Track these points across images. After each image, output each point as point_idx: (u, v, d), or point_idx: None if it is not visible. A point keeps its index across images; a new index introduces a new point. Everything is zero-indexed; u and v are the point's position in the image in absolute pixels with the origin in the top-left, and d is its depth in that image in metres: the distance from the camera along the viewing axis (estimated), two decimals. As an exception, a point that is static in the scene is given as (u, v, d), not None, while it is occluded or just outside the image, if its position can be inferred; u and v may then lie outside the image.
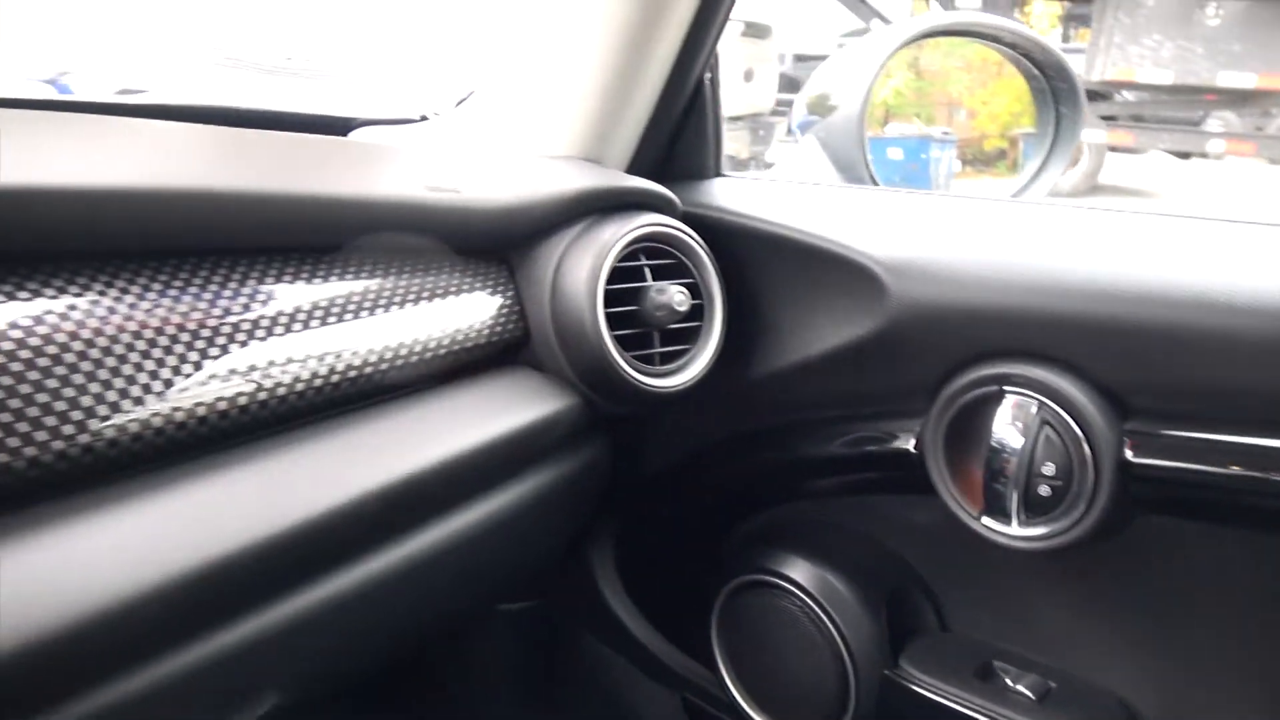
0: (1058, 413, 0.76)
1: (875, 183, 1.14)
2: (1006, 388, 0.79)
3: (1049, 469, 0.77)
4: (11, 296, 0.58)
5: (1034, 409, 0.77)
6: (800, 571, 0.96)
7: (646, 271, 0.90)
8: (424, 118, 1.17)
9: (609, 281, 0.86)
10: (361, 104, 1.14)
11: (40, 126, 0.77)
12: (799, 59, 7.43)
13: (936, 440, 0.83)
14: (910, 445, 0.87)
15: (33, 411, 0.56)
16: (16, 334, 0.57)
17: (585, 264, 0.86)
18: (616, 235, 0.87)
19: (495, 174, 0.91)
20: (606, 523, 1.18)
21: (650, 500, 1.17)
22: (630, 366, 0.87)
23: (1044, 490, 0.77)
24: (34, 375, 0.57)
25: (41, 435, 0.57)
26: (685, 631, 1.15)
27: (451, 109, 1.14)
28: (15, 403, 0.56)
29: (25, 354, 0.57)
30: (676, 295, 0.87)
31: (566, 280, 0.86)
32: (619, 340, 0.87)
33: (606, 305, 0.86)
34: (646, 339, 0.90)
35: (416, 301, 0.82)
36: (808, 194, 1.05)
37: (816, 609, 0.94)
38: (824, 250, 0.90)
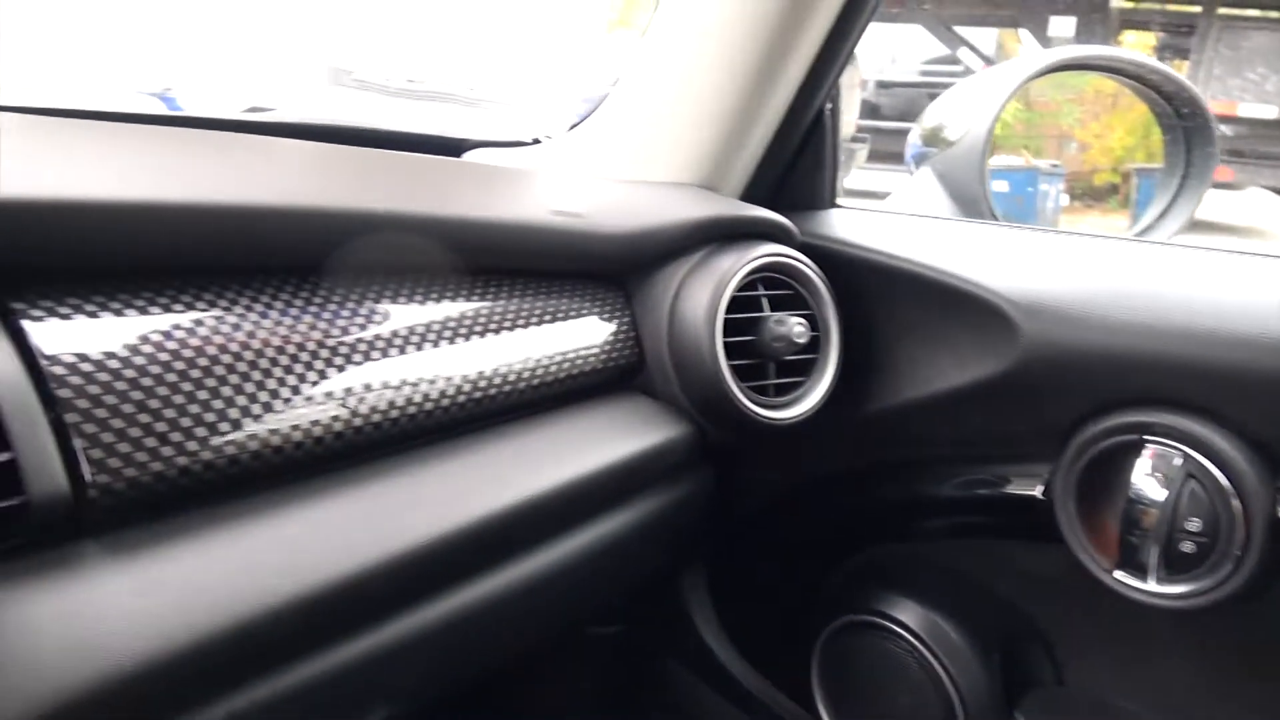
0: (1204, 466, 0.72)
1: (995, 217, 1.11)
2: (1147, 437, 0.75)
3: (1194, 524, 0.73)
4: (144, 310, 0.60)
5: (1178, 461, 0.73)
6: (910, 614, 0.93)
7: (764, 302, 0.88)
8: (536, 140, 1.18)
9: (727, 311, 0.85)
10: (475, 125, 1.15)
11: (174, 142, 0.79)
12: (881, 85, 7.36)
13: (1067, 488, 0.80)
14: (1037, 491, 0.83)
15: (160, 426, 0.57)
16: (147, 349, 0.58)
17: (705, 292, 0.85)
18: (736, 265, 0.86)
19: (616, 200, 0.91)
20: (701, 550, 1.16)
21: (749, 531, 1.15)
22: (746, 397, 0.85)
23: (1187, 546, 0.73)
24: (164, 389, 0.58)
25: (167, 450, 0.58)
26: (780, 667, 1.13)
27: (564, 133, 1.14)
28: (144, 417, 0.57)
29: (155, 368, 0.58)
30: (796, 327, 0.85)
31: (685, 308, 0.85)
32: (734, 370, 0.85)
33: (724, 335, 0.85)
34: (762, 369, 0.89)
35: (535, 324, 0.82)
36: (928, 227, 1.02)
37: (927, 654, 0.91)
38: (949, 286, 0.87)
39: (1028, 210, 1.62)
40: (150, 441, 0.57)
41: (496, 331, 0.79)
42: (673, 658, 1.26)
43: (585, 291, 0.87)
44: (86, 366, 0.56)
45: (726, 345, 0.85)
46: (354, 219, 0.71)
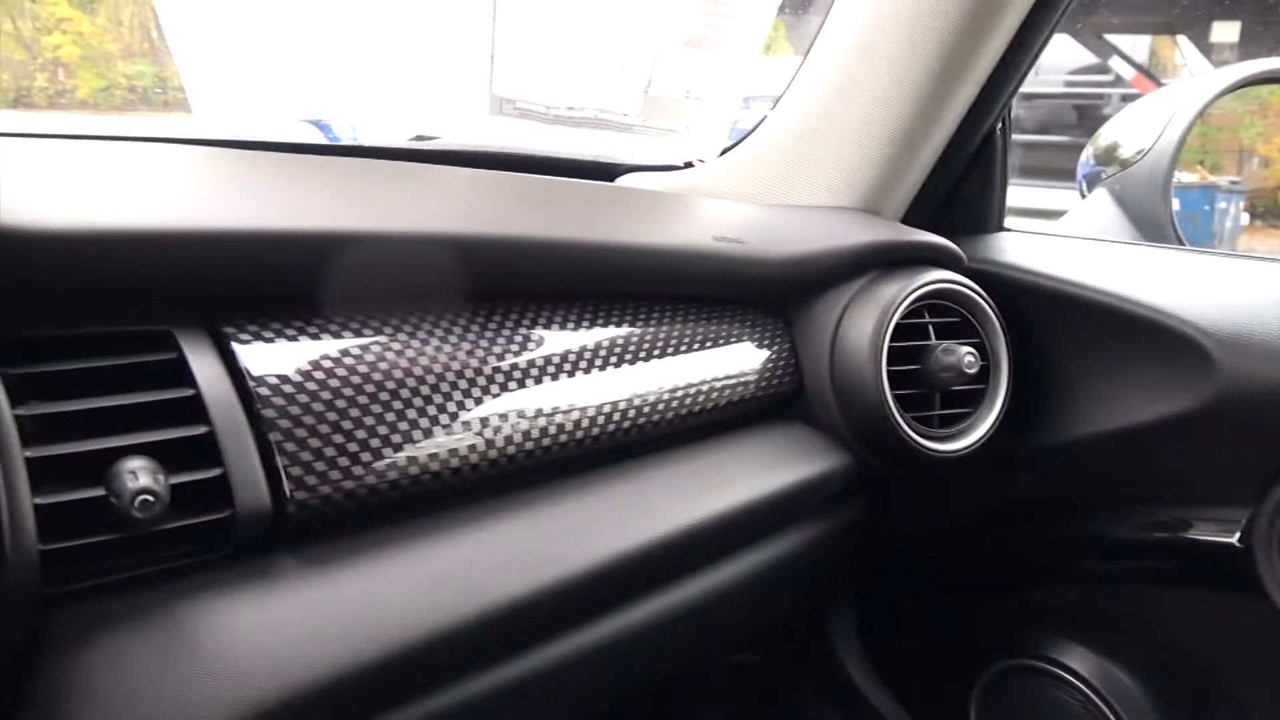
0: None
1: (1181, 242, 1.04)
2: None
3: None
4: (337, 334, 0.63)
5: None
6: (1082, 662, 0.88)
7: (930, 329, 0.85)
8: (688, 164, 1.19)
9: (891, 339, 0.83)
10: (630, 150, 1.16)
11: (354, 172, 0.83)
12: (1022, 97, 7.07)
13: (1271, 536, 0.73)
14: (1233, 538, 0.77)
15: (352, 446, 0.60)
16: (341, 371, 0.61)
17: (869, 320, 0.82)
18: (902, 291, 0.83)
19: (776, 224, 0.90)
20: (849, 582, 1.13)
21: (900, 563, 1.11)
22: (911, 428, 0.83)
23: None
24: (355, 410, 0.60)
25: (358, 469, 0.60)
26: (932, 707, 1.08)
27: (716, 157, 1.14)
28: (338, 437, 0.59)
29: (348, 390, 0.61)
30: (966, 357, 0.82)
31: (848, 335, 0.83)
32: (899, 399, 0.83)
33: (888, 363, 0.82)
34: (926, 399, 0.85)
35: (694, 350, 0.82)
36: (1106, 251, 0.97)
37: (1103, 706, 0.85)
38: (1133, 314, 0.82)
39: (1203, 230, 1.52)
40: (343, 460, 0.59)
41: (657, 356, 0.79)
42: (813, 690, 1.23)
43: (743, 317, 0.86)
44: (288, 388, 0.59)
45: (890, 374, 0.82)
46: (526, 247, 0.72)
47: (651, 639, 0.80)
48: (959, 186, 1.00)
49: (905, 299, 0.82)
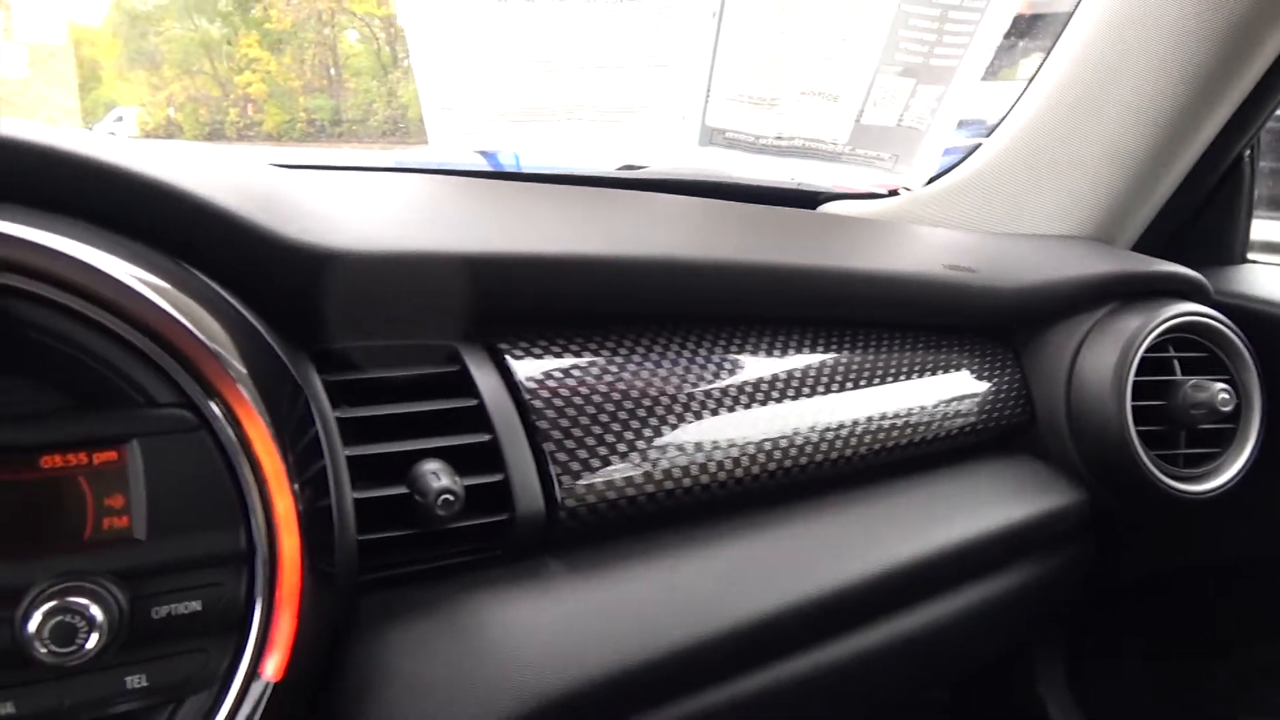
0: None
1: None
2: None
3: None
4: (596, 351, 0.67)
5: None
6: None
7: (1176, 365, 0.82)
8: (894, 193, 1.19)
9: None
10: (835, 178, 1.17)
11: (586, 200, 0.87)
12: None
13: None
14: None
15: (614, 458, 0.63)
16: (602, 386, 0.64)
17: (1111, 353, 0.80)
18: (1148, 324, 0.80)
19: (1004, 253, 0.89)
20: (1061, 624, 1.09)
21: (1122, 607, 1.05)
22: (1155, 466, 0.79)
23: None
24: (616, 425, 0.64)
25: (620, 480, 0.63)
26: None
27: (923, 185, 1.14)
28: (603, 449, 0.63)
29: (610, 405, 0.64)
30: (1221, 394, 0.78)
31: (1087, 368, 0.81)
32: (1141, 436, 0.80)
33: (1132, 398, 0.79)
34: (1168, 437, 0.82)
35: (919, 377, 0.82)
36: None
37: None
38: None
39: None
40: (607, 471, 0.63)
41: (883, 382, 0.79)
42: None
43: (969, 346, 0.85)
44: (558, 401, 0.63)
45: (1133, 409, 0.79)
46: (765, 272, 0.75)
47: (865, 670, 0.79)
48: (1199, 215, 0.95)
49: (1151, 332, 0.80)
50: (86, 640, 0.41)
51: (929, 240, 0.90)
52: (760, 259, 0.75)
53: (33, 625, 0.41)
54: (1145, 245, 0.95)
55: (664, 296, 0.71)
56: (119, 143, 0.50)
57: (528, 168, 1.26)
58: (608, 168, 1.27)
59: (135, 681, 0.45)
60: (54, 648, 0.41)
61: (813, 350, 0.77)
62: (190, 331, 0.45)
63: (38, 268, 0.42)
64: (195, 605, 0.46)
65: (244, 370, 0.47)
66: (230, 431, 0.46)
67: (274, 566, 0.47)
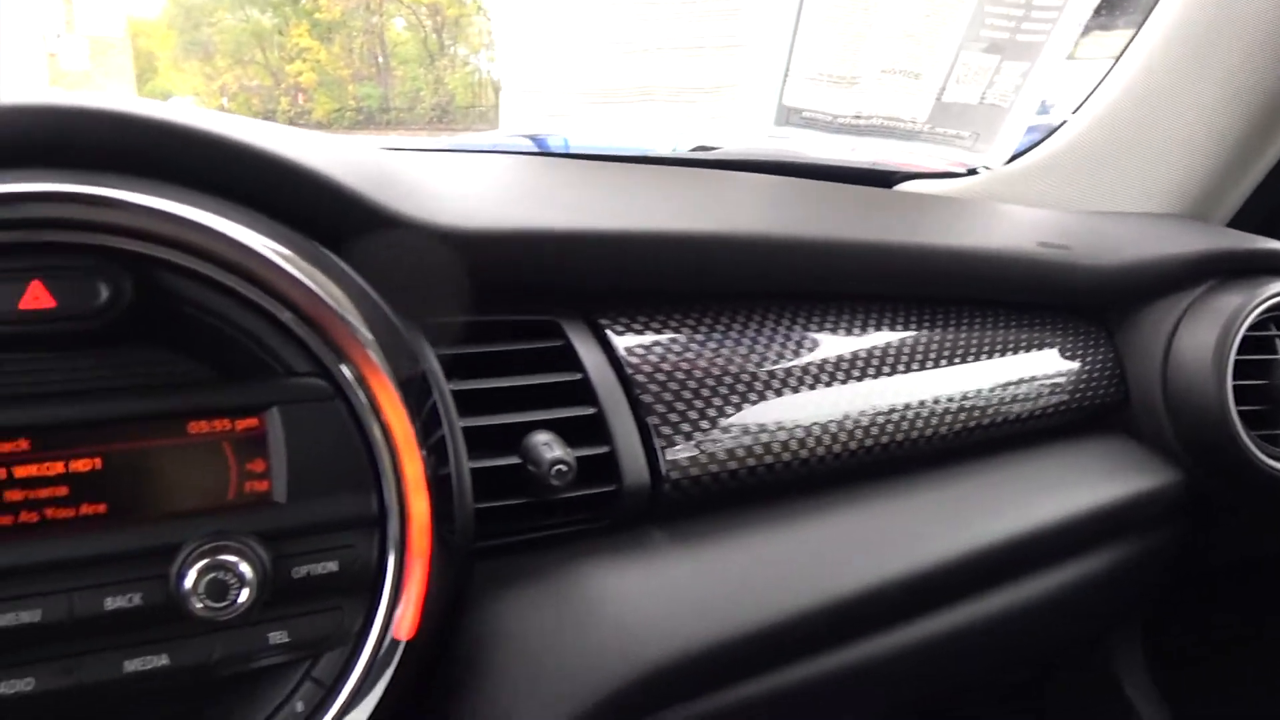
0: None
1: None
2: None
3: None
4: (694, 328, 0.68)
5: None
6: None
7: (1278, 343, 0.81)
8: (972, 171, 1.18)
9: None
10: (910, 157, 1.17)
11: (670, 179, 0.88)
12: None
13: None
14: None
15: (715, 432, 0.64)
16: (702, 362, 0.66)
17: (1210, 331, 0.79)
18: (1250, 302, 0.79)
19: (1095, 231, 0.88)
20: (1144, 609, 1.08)
21: (1211, 593, 1.04)
22: (1257, 446, 0.78)
23: None
24: (718, 399, 0.65)
25: (721, 454, 0.64)
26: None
27: (1003, 164, 1.13)
28: (704, 423, 0.64)
29: (710, 380, 0.65)
30: (1326, 374, 0.77)
31: (1184, 347, 0.80)
32: (1243, 416, 0.79)
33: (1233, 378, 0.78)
34: (1270, 417, 0.81)
35: (1008, 355, 0.81)
36: None
37: None
38: None
39: None
40: (709, 445, 0.64)
41: (972, 360, 0.79)
42: (1087, 718, 1.17)
43: (1060, 324, 0.85)
44: (660, 375, 0.64)
45: (1233, 389, 0.79)
46: (854, 249, 0.75)
47: (952, 649, 0.79)
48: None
49: (1254, 309, 0.79)
50: (238, 596, 0.44)
51: (1016, 218, 0.89)
52: (848, 235, 0.75)
53: (189, 581, 0.43)
54: (1240, 223, 0.93)
55: (754, 274, 0.72)
56: (246, 122, 0.52)
57: (602, 149, 1.27)
58: (681, 149, 1.27)
59: (277, 637, 0.47)
60: (209, 602, 0.43)
61: (904, 328, 0.77)
62: (326, 302, 0.47)
63: (186, 241, 0.45)
64: (332, 566, 0.48)
65: (374, 340, 0.49)
66: (363, 399, 0.48)
67: (404, 530, 0.49)
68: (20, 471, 0.43)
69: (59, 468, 0.44)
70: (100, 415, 0.45)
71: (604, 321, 0.66)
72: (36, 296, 0.42)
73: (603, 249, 0.65)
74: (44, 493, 0.44)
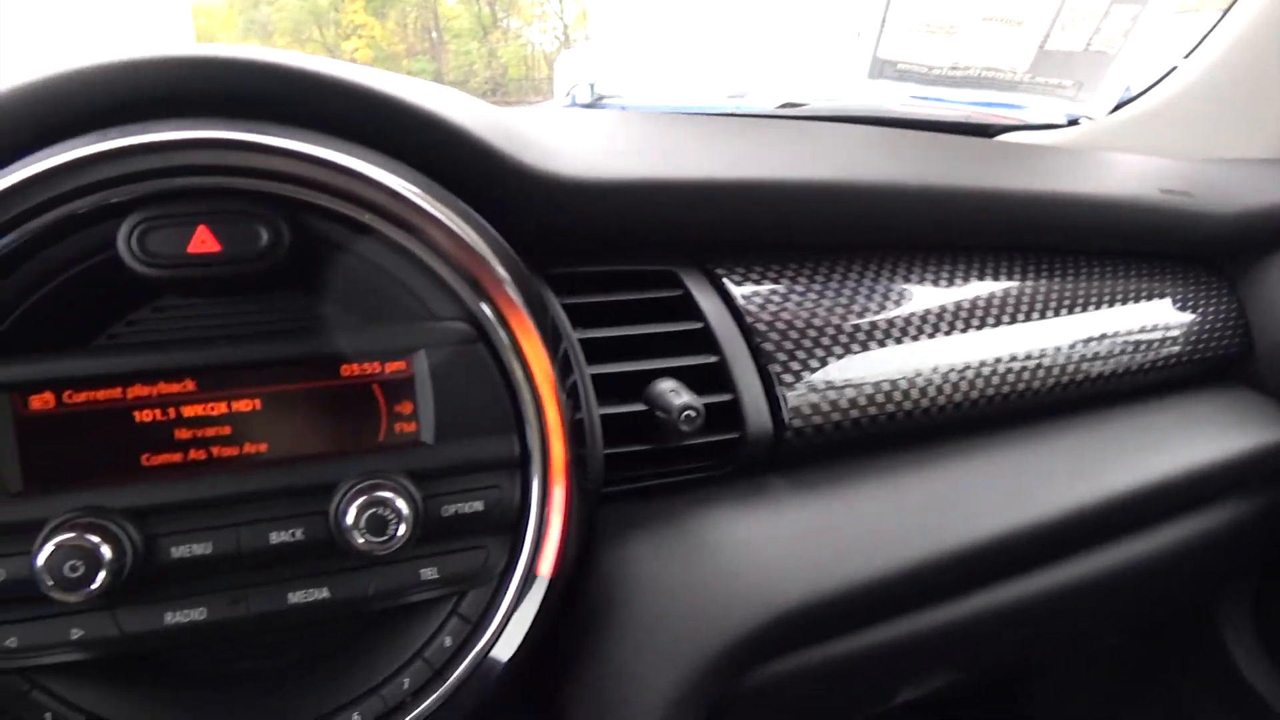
0: None
1: None
2: None
3: None
4: (794, 279, 0.68)
5: None
6: None
7: None
8: (1073, 121, 1.15)
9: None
10: (1011, 108, 1.14)
11: (740, 131, 0.87)
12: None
13: None
14: None
15: (835, 380, 0.64)
16: (821, 311, 0.66)
17: (1342, 278, 0.77)
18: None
19: (1218, 179, 0.85)
20: (1254, 569, 1.05)
21: None
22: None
23: None
24: (838, 349, 0.65)
25: (843, 402, 0.64)
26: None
27: (1105, 113, 1.09)
28: (823, 372, 0.64)
29: (830, 330, 0.65)
30: None
31: (1315, 296, 0.78)
32: None
33: None
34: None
35: (1132, 305, 0.80)
36: None
37: None
38: None
39: None
40: (830, 393, 0.64)
41: (1095, 308, 0.78)
42: (1192, 682, 1.15)
43: (1182, 274, 0.83)
44: (780, 324, 0.64)
45: None
46: (965, 196, 0.74)
47: (1067, 603, 0.79)
48: None
49: None
50: (396, 530, 0.45)
51: (1131, 166, 0.87)
52: (960, 183, 0.74)
53: (350, 517, 0.45)
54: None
55: (866, 222, 0.72)
56: (383, 74, 0.53)
57: (689, 107, 1.27)
58: (767, 106, 1.26)
59: (428, 573, 0.49)
60: (370, 537, 0.45)
61: (1020, 278, 0.76)
62: (475, 249, 0.48)
63: (340, 187, 0.46)
64: (478, 505, 0.49)
65: (517, 288, 0.50)
66: (507, 343, 0.49)
67: (546, 471, 0.50)
68: (188, 411, 0.46)
69: (222, 408, 0.46)
70: (258, 357, 0.46)
71: (720, 271, 0.66)
72: (203, 240, 0.44)
73: (720, 198, 0.65)
74: (210, 431, 0.46)
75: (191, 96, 0.46)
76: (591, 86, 1.67)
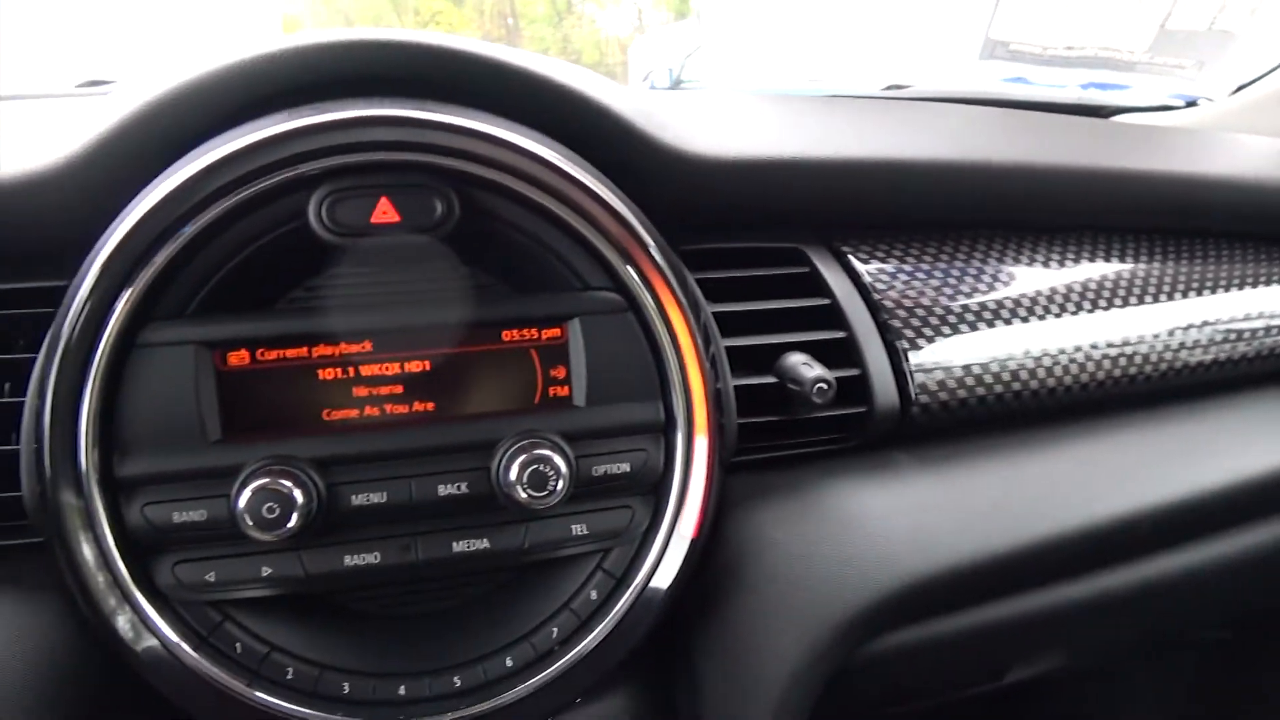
0: None
1: None
2: None
3: None
4: (919, 257, 0.69)
5: None
6: None
7: None
8: (1191, 103, 1.13)
9: None
10: (1128, 90, 1.13)
11: (855, 111, 0.88)
12: None
13: None
14: None
15: (961, 358, 0.66)
16: (948, 289, 0.67)
17: None
18: None
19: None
20: None
21: None
22: None
23: None
24: (964, 325, 0.66)
25: (969, 380, 0.66)
26: None
27: (1226, 95, 1.08)
28: (947, 348, 0.65)
29: (956, 307, 0.67)
30: None
31: None
32: None
33: None
34: None
35: (1264, 287, 0.79)
36: None
37: None
38: None
39: None
40: (956, 370, 0.65)
41: (1225, 291, 0.77)
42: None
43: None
44: (906, 300, 0.66)
45: None
46: (1085, 177, 0.74)
47: (1172, 591, 0.78)
48: None
49: None
50: (555, 486, 0.48)
51: (1253, 148, 0.85)
52: (1080, 162, 0.74)
53: (513, 473, 0.48)
54: None
55: (988, 202, 0.72)
56: (529, 54, 0.56)
57: (795, 91, 1.28)
58: (871, 89, 1.26)
59: (578, 529, 0.52)
60: (531, 492, 0.48)
61: (1149, 259, 0.76)
62: (630, 222, 0.51)
63: (507, 163, 0.49)
64: (625, 466, 0.52)
65: (664, 260, 0.52)
66: (656, 314, 0.52)
67: (690, 436, 0.53)
68: (365, 370, 0.49)
69: (395, 368, 0.50)
70: (428, 322, 0.50)
71: (846, 249, 0.68)
72: (384, 211, 0.47)
73: (850, 177, 0.67)
74: (384, 390, 0.50)
75: (357, 77, 0.50)
76: (670, 71, 1.70)
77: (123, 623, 0.47)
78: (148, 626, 0.47)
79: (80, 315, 0.45)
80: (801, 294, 0.65)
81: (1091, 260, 0.75)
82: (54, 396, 0.45)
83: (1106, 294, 0.73)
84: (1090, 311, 0.71)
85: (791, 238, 0.68)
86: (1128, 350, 0.72)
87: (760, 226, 0.68)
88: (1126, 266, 0.76)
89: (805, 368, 0.59)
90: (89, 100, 0.87)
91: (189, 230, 0.46)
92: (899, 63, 1.19)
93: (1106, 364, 0.70)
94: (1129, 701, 1.25)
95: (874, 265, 0.67)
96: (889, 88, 1.25)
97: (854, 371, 0.63)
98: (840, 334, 0.64)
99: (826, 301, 0.65)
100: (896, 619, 0.62)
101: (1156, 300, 0.75)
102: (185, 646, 0.47)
